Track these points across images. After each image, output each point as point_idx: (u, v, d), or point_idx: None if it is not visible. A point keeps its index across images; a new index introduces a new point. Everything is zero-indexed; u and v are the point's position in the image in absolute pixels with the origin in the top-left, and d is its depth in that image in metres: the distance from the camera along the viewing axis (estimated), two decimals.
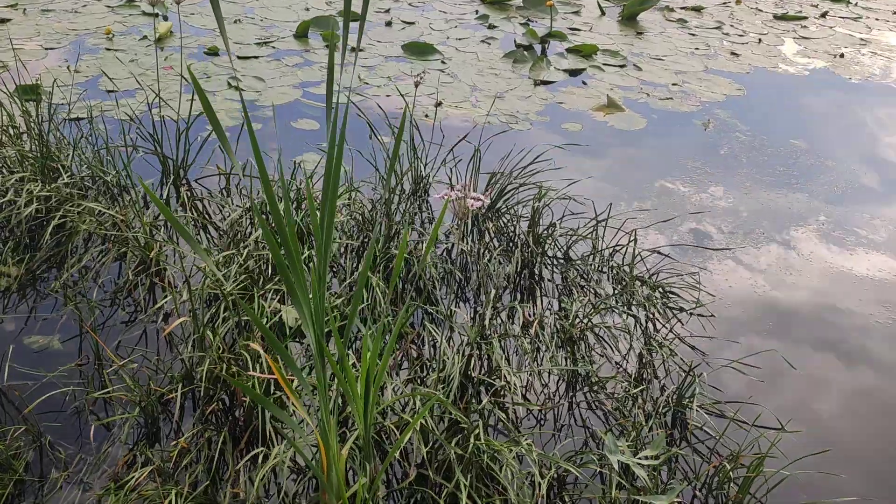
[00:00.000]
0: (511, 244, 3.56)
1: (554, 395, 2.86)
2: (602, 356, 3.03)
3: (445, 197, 2.11)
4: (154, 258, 3.20)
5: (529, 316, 3.07)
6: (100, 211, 3.37)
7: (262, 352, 1.83)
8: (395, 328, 2.06)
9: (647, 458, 2.32)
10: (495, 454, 2.22)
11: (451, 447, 2.17)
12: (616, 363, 3.00)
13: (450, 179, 3.75)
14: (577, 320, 3.04)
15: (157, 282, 3.19)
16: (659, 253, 3.54)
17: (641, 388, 2.73)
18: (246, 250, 3.11)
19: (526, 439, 2.34)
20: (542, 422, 2.72)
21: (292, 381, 2.45)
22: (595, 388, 2.82)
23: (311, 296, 1.91)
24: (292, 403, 2.35)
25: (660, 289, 3.32)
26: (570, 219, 3.66)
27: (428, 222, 3.82)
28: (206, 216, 3.77)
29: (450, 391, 2.54)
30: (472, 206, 2.10)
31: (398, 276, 2.48)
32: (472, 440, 2.16)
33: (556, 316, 3.13)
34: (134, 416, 2.50)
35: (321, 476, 1.95)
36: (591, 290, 3.37)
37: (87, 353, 2.85)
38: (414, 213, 3.82)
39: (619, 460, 2.22)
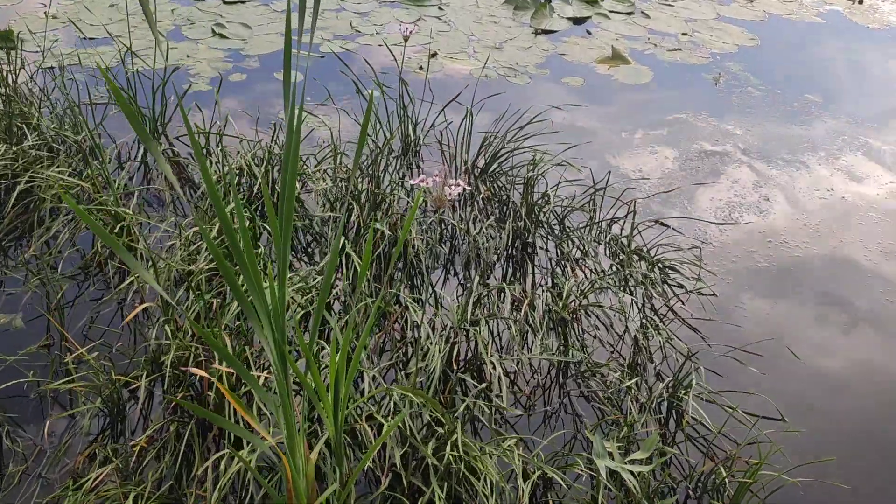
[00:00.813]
0: (504, 211, 3.37)
1: (544, 381, 2.71)
2: (595, 337, 2.88)
3: (423, 184, 1.92)
4: (126, 229, 3.03)
5: (522, 294, 2.91)
6: (66, 178, 3.18)
7: (200, 373, 1.67)
8: (367, 327, 1.89)
9: (637, 461, 2.18)
10: (475, 459, 2.08)
11: (429, 454, 2.03)
12: (610, 345, 2.85)
13: (440, 144, 3.54)
14: (571, 299, 2.87)
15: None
16: (662, 224, 3.35)
17: (636, 379, 2.57)
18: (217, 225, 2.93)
19: (508, 440, 2.20)
20: (531, 412, 2.58)
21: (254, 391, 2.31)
22: (586, 374, 2.67)
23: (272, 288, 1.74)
24: (259, 401, 2.20)
25: (659, 264, 3.14)
26: (567, 186, 3.46)
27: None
28: (186, 177, 3.59)
29: (431, 383, 2.39)
30: (449, 195, 1.92)
31: (369, 262, 2.31)
32: (448, 448, 2.02)
33: (550, 293, 2.97)
34: (96, 405, 2.36)
35: None
36: (587, 264, 3.19)
37: (54, 332, 2.70)
38: (403, 175, 3.63)
39: (606, 466, 2.08)
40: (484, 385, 2.36)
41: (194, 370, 1.64)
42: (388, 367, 2.61)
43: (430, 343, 2.53)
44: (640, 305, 3.00)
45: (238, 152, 3.45)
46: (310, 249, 3.23)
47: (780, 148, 4.15)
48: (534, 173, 3.29)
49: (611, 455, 2.13)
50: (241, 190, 3.33)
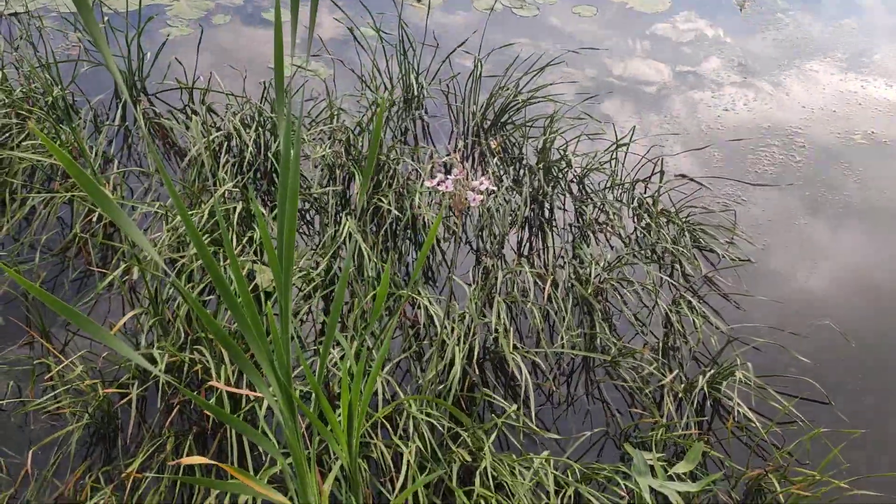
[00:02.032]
0: (518, 171, 3.10)
1: (568, 366, 2.51)
2: (622, 312, 2.65)
3: (443, 188, 1.65)
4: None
5: (542, 269, 2.67)
6: (33, 155, 2.89)
7: (198, 460, 1.43)
8: (379, 357, 1.66)
9: (681, 476, 1.99)
10: (505, 484, 1.89)
11: (459, 493, 1.83)
12: (639, 321, 2.62)
13: (447, 97, 3.23)
14: (595, 275, 2.63)
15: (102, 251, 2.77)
16: (693, 180, 3.08)
17: (675, 372, 2.35)
18: (210, 200, 2.66)
19: (540, 453, 2.00)
20: (555, 405, 2.38)
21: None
22: (617, 360, 2.45)
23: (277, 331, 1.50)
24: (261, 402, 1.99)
25: (689, 227, 2.89)
26: (585, 141, 3.17)
27: (422, 138, 3.34)
28: (171, 142, 3.29)
29: (451, 386, 2.18)
30: (473, 200, 1.65)
31: (383, 301, 2.06)
32: (477, 481, 1.82)
33: (572, 265, 2.73)
34: (82, 424, 2.15)
35: None
36: (610, 228, 2.94)
37: (34, 327, 2.47)
38: (405, 130, 3.33)
39: (650, 486, 1.89)
40: (514, 407, 2.14)
41: (186, 460, 1.40)
42: (400, 359, 2.40)
43: (447, 334, 2.31)
44: (669, 276, 2.77)
45: (227, 110, 3.15)
46: (308, 217, 2.98)
47: (818, 85, 3.84)
48: (550, 135, 2.99)
49: (652, 469, 1.94)
50: (232, 154, 3.05)
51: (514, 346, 2.35)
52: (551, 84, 3.23)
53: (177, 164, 3.13)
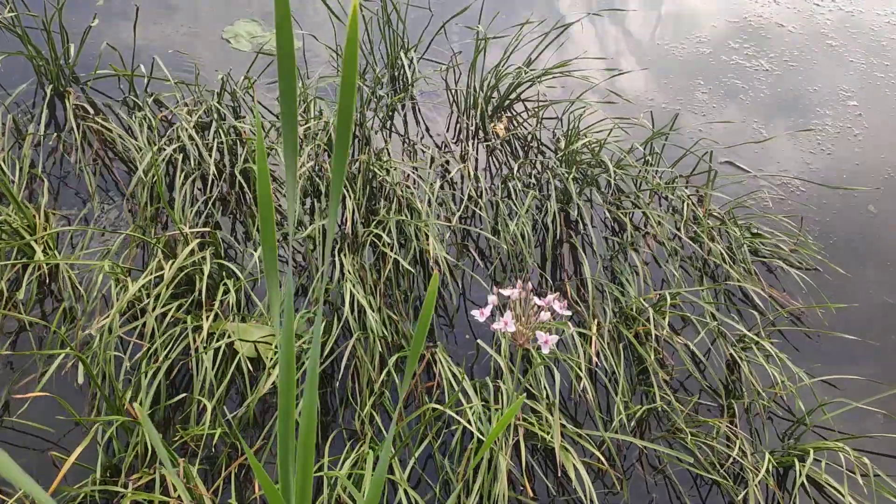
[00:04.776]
0: (532, 161, 2.59)
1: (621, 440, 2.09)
2: (674, 353, 2.22)
3: (500, 326, 1.17)
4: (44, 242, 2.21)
5: (587, 321, 2.21)
6: None
7: None
8: None
9: None
10: None
11: None
12: (698, 363, 2.20)
13: (446, 82, 2.66)
14: (641, 312, 2.18)
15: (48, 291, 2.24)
16: (742, 169, 2.61)
17: (765, 464, 1.93)
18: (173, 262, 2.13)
19: None
20: (609, 487, 1.97)
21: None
22: (680, 433, 2.03)
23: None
24: None
25: (747, 237, 2.44)
26: (605, 122, 2.66)
27: (414, 124, 2.79)
28: (109, 144, 2.70)
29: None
30: (545, 343, 1.17)
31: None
32: None
33: (606, 291, 2.27)
34: None
35: None
36: (649, 244, 2.47)
37: None
38: (392, 113, 2.78)
39: None
40: None
41: None
42: (420, 450, 1.96)
43: (481, 429, 1.87)
44: (727, 301, 2.34)
45: (177, 105, 2.57)
46: (282, 258, 2.42)
47: None
48: (571, 125, 2.47)
49: None
50: (188, 163, 2.48)
51: (562, 427, 1.92)
52: (572, 60, 2.67)
53: (123, 166, 2.55)
